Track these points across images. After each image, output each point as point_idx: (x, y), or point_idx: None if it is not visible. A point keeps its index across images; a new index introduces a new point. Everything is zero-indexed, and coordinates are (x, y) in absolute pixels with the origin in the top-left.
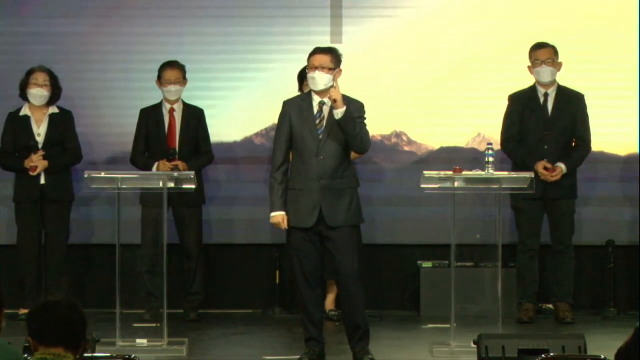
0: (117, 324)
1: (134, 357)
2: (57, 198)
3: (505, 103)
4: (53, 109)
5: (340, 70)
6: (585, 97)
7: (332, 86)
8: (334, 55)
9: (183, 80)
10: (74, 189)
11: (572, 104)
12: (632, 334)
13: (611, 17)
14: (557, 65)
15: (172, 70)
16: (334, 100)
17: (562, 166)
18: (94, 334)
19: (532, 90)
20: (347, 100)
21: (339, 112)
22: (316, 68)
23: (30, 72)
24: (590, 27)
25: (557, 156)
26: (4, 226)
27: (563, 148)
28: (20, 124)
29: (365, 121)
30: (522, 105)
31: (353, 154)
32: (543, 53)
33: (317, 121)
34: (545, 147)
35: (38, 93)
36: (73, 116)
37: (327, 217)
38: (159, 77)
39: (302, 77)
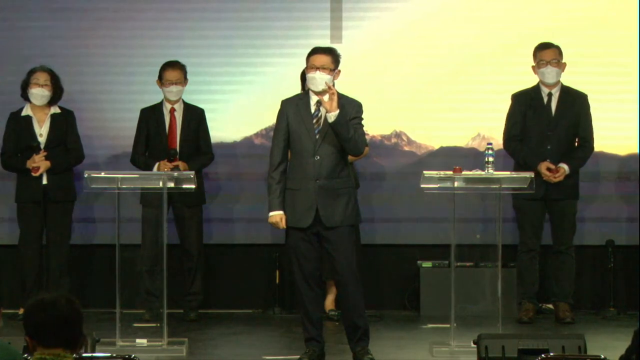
0: (117, 324)
1: (134, 357)
2: (59, 198)
3: (506, 103)
4: (55, 109)
5: (339, 71)
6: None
7: (327, 88)
8: (334, 56)
9: (184, 80)
10: (76, 189)
11: (575, 104)
12: (632, 337)
13: (611, 17)
14: (561, 66)
15: (173, 71)
16: (329, 96)
17: (565, 167)
18: (94, 333)
19: (535, 90)
20: (345, 100)
21: (332, 116)
22: (317, 69)
23: (31, 72)
24: (590, 28)
25: (560, 156)
26: (6, 226)
27: (566, 148)
28: (22, 125)
29: (363, 122)
30: (525, 105)
31: (350, 157)
32: (548, 54)
33: (314, 121)
34: (548, 147)
35: (39, 93)
36: (75, 116)
37: (324, 217)
38: (160, 78)
39: (304, 77)
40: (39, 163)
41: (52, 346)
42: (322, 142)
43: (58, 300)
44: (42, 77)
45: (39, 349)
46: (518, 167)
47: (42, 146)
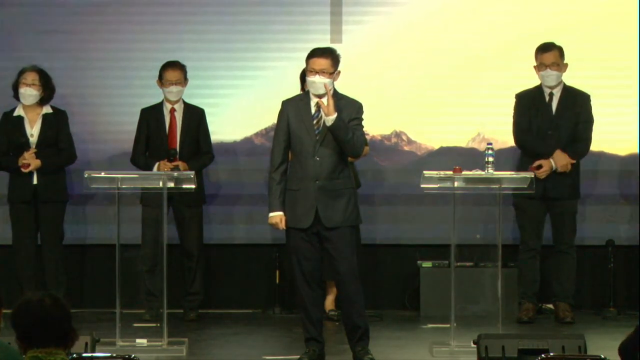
0: (117, 324)
1: (134, 357)
2: (50, 198)
3: (506, 103)
4: (47, 109)
5: (339, 72)
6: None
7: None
8: (333, 58)
9: (184, 80)
10: (73, 189)
11: (576, 103)
12: (635, 329)
13: (611, 17)
14: (562, 68)
15: (174, 71)
16: (327, 99)
17: (552, 162)
18: (94, 333)
19: (538, 89)
20: (345, 101)
21: (329, 120)
22: (317, 72)
23: (21, 72)
24: (591, 27)
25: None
26: (2, 226)
27: (566, 146)
28: (14, 124)
29: (363, 122)
30: (528, 105)
31: (349, 157)
32: (548, 57)
33: (314, 122)
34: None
35: (27, 92)
36: (67, 116)
37: (324, 217)
38: (160, 78)
39: (304, 77)
40: (29, 160)
41: (43, 345)
42: (322, 143)
43: (43, 299)
44: (30, 77)
45: (31, 349)
46: (523, 163)
47: (32, 146)
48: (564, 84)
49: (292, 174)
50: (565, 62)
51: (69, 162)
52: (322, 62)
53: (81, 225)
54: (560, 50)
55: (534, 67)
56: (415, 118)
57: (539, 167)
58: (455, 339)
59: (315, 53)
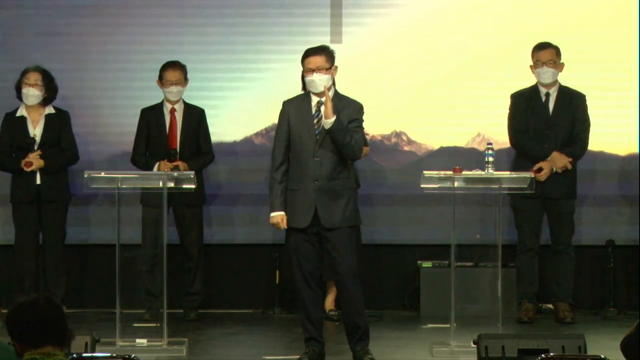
0: (117, 324)
1: (134, 357)
2: (53, 198)
3: (505, 102)
4: (49, 110)
5: (336, 67)
6: (587, 98)
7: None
8: (328, 54)
9: (184, 81)
10: (73, 189)
11: (572, 103)
12: (635, 325)
13: (611, 17)
14: (559, 67)
15: (174, 72)
16: (325, 101)
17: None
18: (93, 333)
19: (533, 89)
20: (346, 101)
21: (327, 123)
22: (313, 71)
23: (24, 73)
24: (591, 27)
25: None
26: (1, 226)
27: (563, 147)
28: (16, 125)
29: (363, 124)
30: (524, 105)
31: None
32: (544, 55)
33: (315, 122)
34: (546, 145)
35: (29, 93)
36: (69, 116)
37: (323, 218)
38: (160, 78)
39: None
40: (33, 159)
41: (40, 346)
42: (322, 143)
43: (37, 300)
44: (32, 77)
45: (28, 350)
46: (518, 163)
47: (35, 146)
48: (560, 84)
49: (292, 174)
50: (561, 62)
51: (71, 163)
52: (317, 60)
53: (82, 225)
54: (556, 49)
55: (530, 66)
56: (415, 118)
57: (539, 170)
58: (455, 339)
59: (308, 53)
